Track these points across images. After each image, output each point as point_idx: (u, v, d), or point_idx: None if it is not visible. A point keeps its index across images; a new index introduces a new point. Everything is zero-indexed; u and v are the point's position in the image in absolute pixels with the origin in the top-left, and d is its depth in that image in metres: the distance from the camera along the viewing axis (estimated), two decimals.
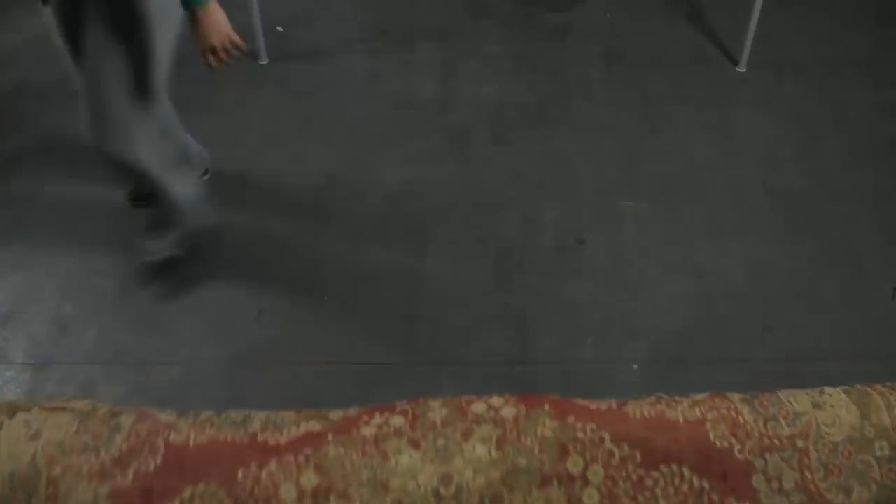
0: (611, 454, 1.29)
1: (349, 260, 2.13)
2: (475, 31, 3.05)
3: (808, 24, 3.06)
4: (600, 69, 2.84)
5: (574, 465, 1.28)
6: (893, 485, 1.35)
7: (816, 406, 1.38)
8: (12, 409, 1.24)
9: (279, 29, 3.02)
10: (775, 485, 1.31)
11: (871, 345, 1.92)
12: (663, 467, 1.29)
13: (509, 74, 2.82)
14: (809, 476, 1.32)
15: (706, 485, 1.29)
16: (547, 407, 1.32)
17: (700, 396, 1.40)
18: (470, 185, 2.35)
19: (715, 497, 1.28)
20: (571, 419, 1.32)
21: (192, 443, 1.23)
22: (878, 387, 1.44)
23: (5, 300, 2.02)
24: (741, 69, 2.82)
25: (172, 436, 1.23)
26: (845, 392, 1.41)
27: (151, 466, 1.19)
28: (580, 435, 1.30)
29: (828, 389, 1.41)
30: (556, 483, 1.26)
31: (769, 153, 2.48)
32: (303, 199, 2.30)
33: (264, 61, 2.85)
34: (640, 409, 1.34)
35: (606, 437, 1.30)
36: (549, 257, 2.13)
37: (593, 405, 1.34)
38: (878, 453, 1.35)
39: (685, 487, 1.29)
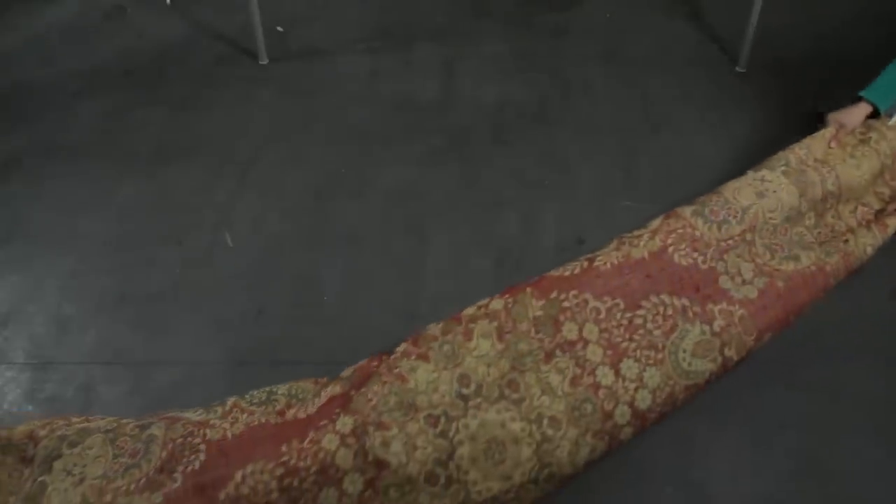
0: (597, 311, 1.43)
1: (349, 260, 2.13)
2: (475, 31, 3.05)
3: (808, 24, 3.06)
4: (600, 69, 2.84)
5: (570, 331, 1.42)
6: (828, 240, 1.60)
7: (760, 195, 1.58)
8: (48, 461, 1.26)
9: (279, 29, 3.02)
10: (738, 279, 1.50)
11: (870, 344, 1.92)
12: (645, 303, 1.44)
13: (509, 74, 2.82)
14: (761, 261, 1.52)
15: (686, 302, 1.45)
16: (529, 290, 1.46)
17: (656, 223, 1.56)
18: (470, 185, 2.35)
19: (696, 309, 1.45)
20: (554, 294, 1.44)
21: (229, 435, 1.30)
22: (811, 161, 1.64)
23: (5, 300, 2.02)
24: (741, 69, 2.82)
25: (209, 433, 1.30)
26: (784, 174, 1.62)
27: (197, 464, 1.25)
28: (566, 304, 1.43)
29: (768, 175, 1.62)
30: (559, 353, 1.40)
31: (769, 153, 2.47)
32: (303, 199, 2.31)
33: (264, 61, 2.85)
34: (608, 259, 1.49)
35: (589, 297, 1.44)
36: (549, 257, 2.13)
37: (567, 271, 1.49)
38: (807, 223, 1.60)
39: (670, 312, 1.45)
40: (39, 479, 1.25)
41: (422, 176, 2.38)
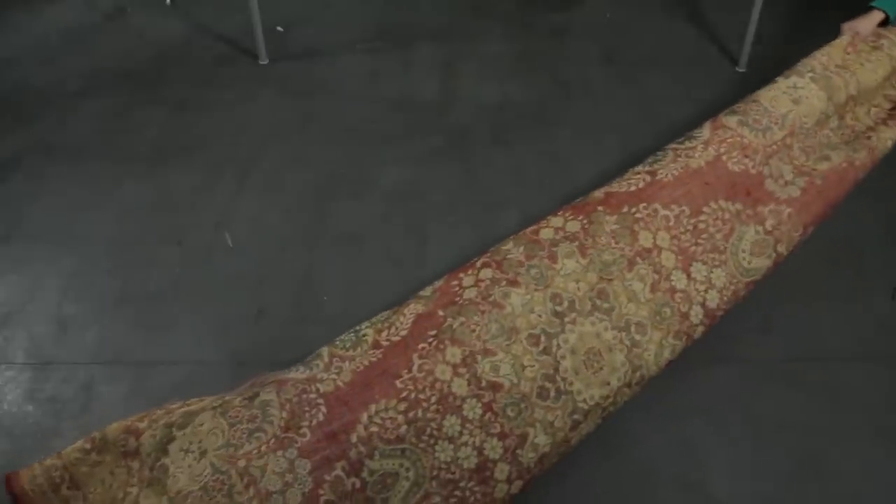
0: (666, 218, 1.55)
1: (349, 259, 2.13)
2: (475, 31, 3.05)
3: (808, 24, 3.06)
4: (600, 69, 2.84)
5: (646, 239, 1.53)
6: (851, 139, 1.73)
7: (795, 102, 1.71)
8: (162, 445, 1.27)
9: (279, 29, 3.02)
10: (781, 181, 1.62)
11: (871, 345, 1.92)
12: (706, 208, 1.56)
13: (509, 74, 2.82)
14: (798, 163, 1.65)
15: (739, 206, 1.58)
16: (601, 208, 1.58)
17: (705, 134, 1.67)
18: (470, 185, 2.36)
19: (749, 212, 1.59)
20: (625, 208, 1.56)
21: (340, 384, 1.35)
22: (833, 67, 1.79)
23: (5, 300, 2.02)
24: (741, 69, 2.82)
25: (320, 387, 1.35)
26: (812, 80, 1.75)
27: (321, 416, 1.30)
28: (638, 215, 1.55)
29: (799, 82, 1.76)
30: (639, 260, 1.52)
31: None
32: (303, 199, 2.31)
33: (264, 61, 2.86)
34: (669, 171, 1.60)
35: (658, 206, 1.56)
36: None
37: (632, 186, 1.61)
38: (832, 125, 1.73)
39: (727, 216, 1.57)
40: (158, 463, 1.26)
41: (422, 176, 2.38)
